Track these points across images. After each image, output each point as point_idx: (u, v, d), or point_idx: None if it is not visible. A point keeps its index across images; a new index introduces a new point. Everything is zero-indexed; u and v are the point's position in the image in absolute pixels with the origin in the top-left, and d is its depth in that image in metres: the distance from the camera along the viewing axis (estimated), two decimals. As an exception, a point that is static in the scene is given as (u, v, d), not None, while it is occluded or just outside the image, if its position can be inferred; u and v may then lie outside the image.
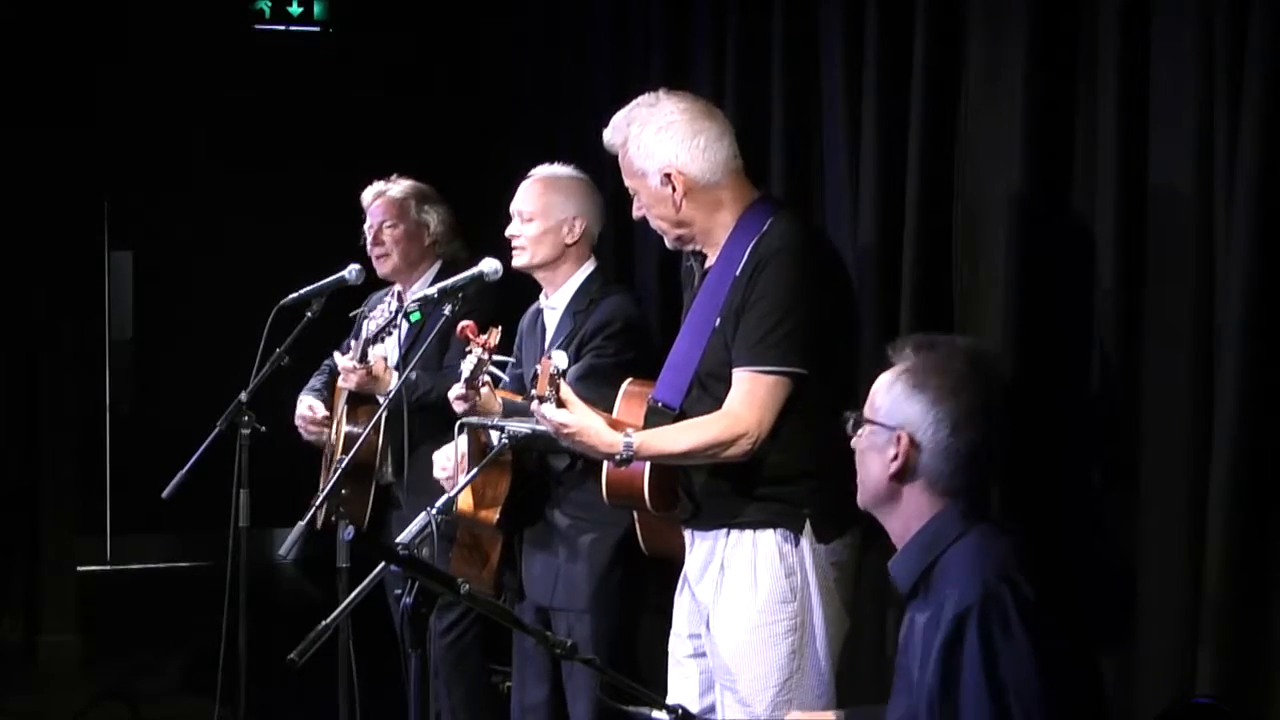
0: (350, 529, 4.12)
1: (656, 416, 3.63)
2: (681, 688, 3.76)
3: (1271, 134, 3.25)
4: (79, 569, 7.29)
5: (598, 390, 3.98)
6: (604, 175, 4.73)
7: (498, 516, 4.32)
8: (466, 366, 4.03)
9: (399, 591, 3.00)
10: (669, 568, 3.89)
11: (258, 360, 4.69)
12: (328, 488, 4.30)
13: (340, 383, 4.99)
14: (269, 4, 8.47)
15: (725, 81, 5.12)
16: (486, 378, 4.14)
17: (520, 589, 4.48)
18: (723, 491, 3.60)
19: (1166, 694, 3.48)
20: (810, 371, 3.51)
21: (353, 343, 4.99)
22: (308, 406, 5.14)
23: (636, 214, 3.75)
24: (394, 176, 5.25)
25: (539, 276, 4.51)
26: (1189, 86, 3.47)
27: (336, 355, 4.96)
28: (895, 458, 2.90)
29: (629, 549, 4.14)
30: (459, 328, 4.02)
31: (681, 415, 3.60)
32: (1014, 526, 3.02)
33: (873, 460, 2.95)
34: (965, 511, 2.90)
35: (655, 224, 3.71)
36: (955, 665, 2.75)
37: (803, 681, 3.56)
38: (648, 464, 3.60)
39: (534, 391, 3.58)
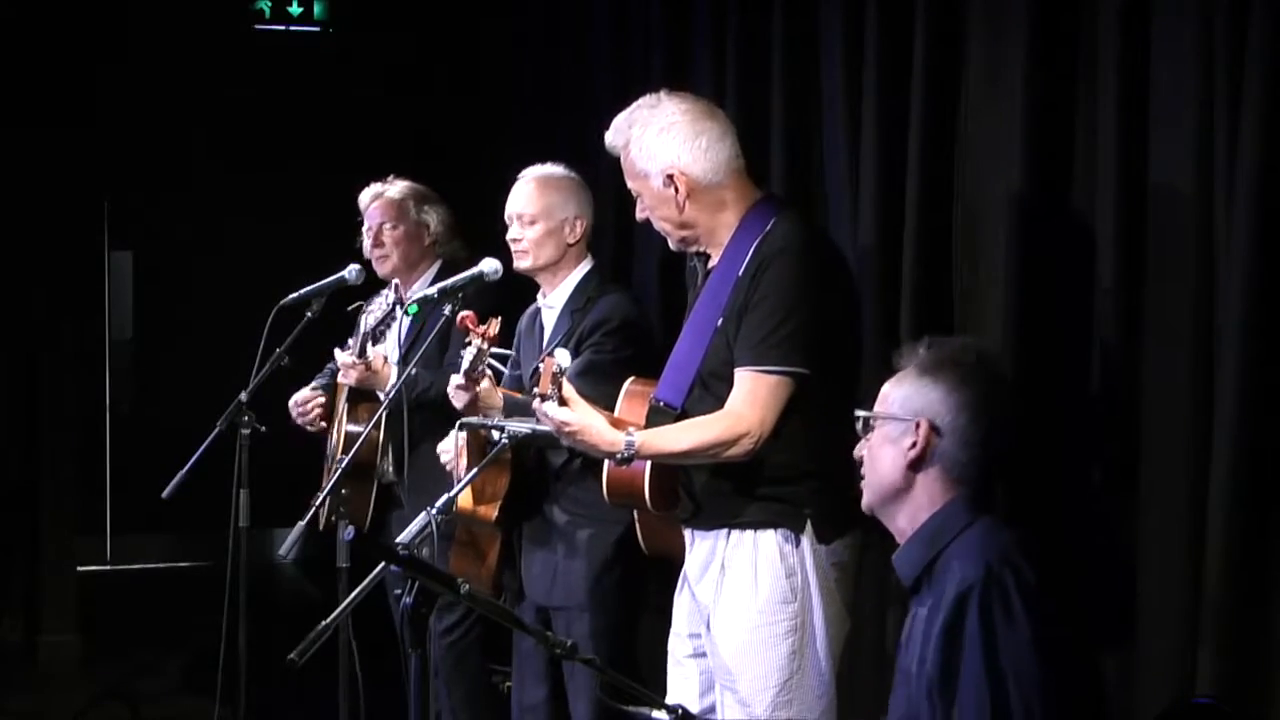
0: (350, 529, 4.12)
1: (658, 416, 3.63)
2: (681, 688, 3.76)
3: (1271, 134, 3.25)
4: (79, 569, 7.28)
5: (596, 387, 3.97)
6: (604, 176, 4.74)
7: (496, 513, 4.32)
8: (466, 357, 4.03)
9: (399, 591, 3.00)
10: (669, 567, 3.89)
11: (258, 360, 4.69)
12: (328, 487, 4.30)
13: (340, 378, 5.00)
14: (269, 4, 8.46)
15: (725, 81, 5.11)
16: (487, 370, 4.14)
17: (520, 589, 4.48)
18: (724, 491, 3.59)
19: (1166, 694, 3.49)
20: (812, 372, 3.51)
21: (352, 341, 4.99)
22: (301, 393, 5.14)
23: (640, 216, 3.73)
24: (390, 177, 5.25)
25: (538, 276, 4.51)
26: (1189, 86, 3.47)
27: (336, 351, 4.97)
28: (913, 445, 2.91)
29: (628, 547, 4.14)
30: (459, 318, 4.02)
31: (683, 415, 3.59)
32: (1016, 523, 3.03)
33: (885, 455, 2.96)
34: (973, 504, 2.91)
35: (659, 226, 3.70)
36: (956, 647, 2.76)
37: (803, 682, 3.56)
38: (648, 463, 3.60)
39: (536, 389, 3.58)
